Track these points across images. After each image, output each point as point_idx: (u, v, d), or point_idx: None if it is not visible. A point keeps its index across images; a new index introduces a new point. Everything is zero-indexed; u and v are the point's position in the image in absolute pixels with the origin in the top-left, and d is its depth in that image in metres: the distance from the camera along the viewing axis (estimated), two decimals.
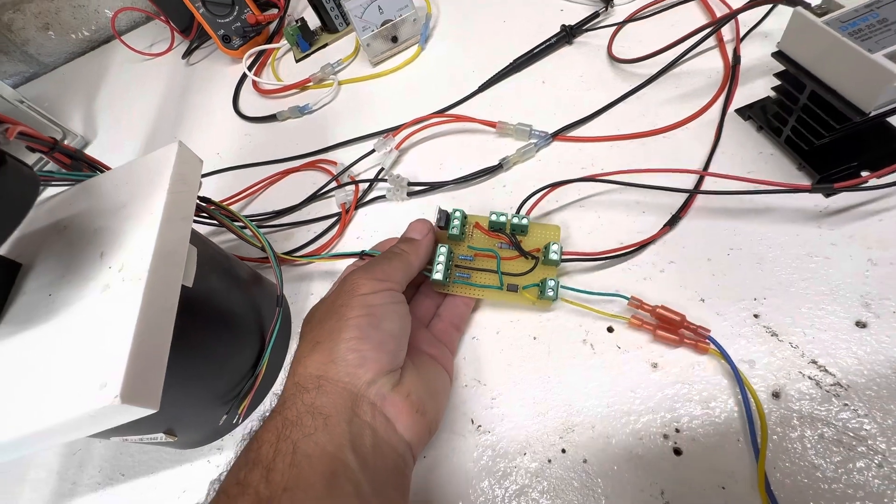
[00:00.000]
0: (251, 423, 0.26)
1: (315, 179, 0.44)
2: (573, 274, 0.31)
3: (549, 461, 0.25)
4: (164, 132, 0.58)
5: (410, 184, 0.39)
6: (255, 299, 0.33)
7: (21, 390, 0.21)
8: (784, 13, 0.27)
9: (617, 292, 0.27)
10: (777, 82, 0.29)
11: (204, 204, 0.31)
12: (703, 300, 0.27)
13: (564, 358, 0.28)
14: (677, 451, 0.24)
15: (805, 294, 0.26)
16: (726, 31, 0.38)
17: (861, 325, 0.24)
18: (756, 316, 0.26)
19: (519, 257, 0.29)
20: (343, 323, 0.23)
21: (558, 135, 0.37)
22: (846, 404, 0.23)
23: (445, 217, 0.30)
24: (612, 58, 0.40)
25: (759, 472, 0.22)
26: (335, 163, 0.43)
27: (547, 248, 0.28)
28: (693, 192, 0.30)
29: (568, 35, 0.43)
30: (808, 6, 0.26)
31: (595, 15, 0.43)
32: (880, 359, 0.23)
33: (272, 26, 0.60)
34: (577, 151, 0.36)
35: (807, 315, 0.25)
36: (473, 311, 0.31)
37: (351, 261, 0.33)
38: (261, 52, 0.59)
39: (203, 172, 0.46)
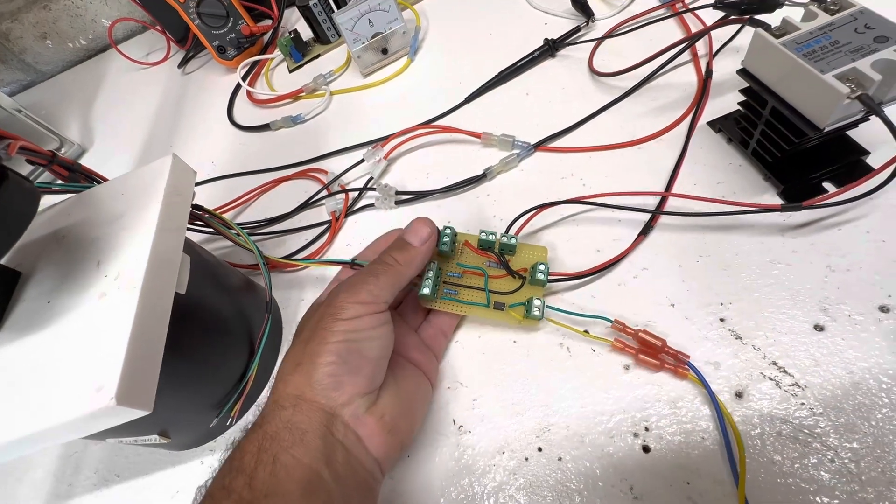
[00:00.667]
0: (234, 434, 0.28)
1: (307, 188, 0.45)
2: (557, 292, 0.32)
3: (527, 459, 0.27)
4: (160, 140, 0.59)
5: (398, 192, 0.40)
6: (247, 305, 0.34)
7: (21, 393, 0.22)
8: (753, 31, 0.28)
9: (600, 314, 0.28)
10: (743, 98, 0.31)
11: (198, 212, 0.33)
12: (673, 305, 0.29)
13: (542, 361, 0.29)
14: (646, 449, 0.25)
15: (768, 299, 0.27)
16: (700, 46, 0.40)
17: (819, 328, 0.26)
18: (722, 320, 0.27)
19: (507, 276, 0.30)
20: (323, 347, 0.23)
21: (540, 145, 0.39)
22: (803, 403, 0.24)
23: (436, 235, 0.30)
24: (593, 71, 0.42)
25: (739, 495, 0.22)
26: (326, 172, 0.45)
27: (534, 268, 0.29)
28: (655, 213, 0.32)
29: (551, 48, 0.44)
30: (767, 28, 0.27)
31: (577, 29, 0.45)
32: (835, 360, 0.25)
33: (266, 37, 0.62)
34: (557, 161, 0.38)
35: (769, 319, 0.27)
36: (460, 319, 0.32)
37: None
38: (255, 63, 0.60)
39: (197, 181, 0.47)
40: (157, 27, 0.68)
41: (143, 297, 0.23)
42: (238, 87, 0.59)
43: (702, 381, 0.25)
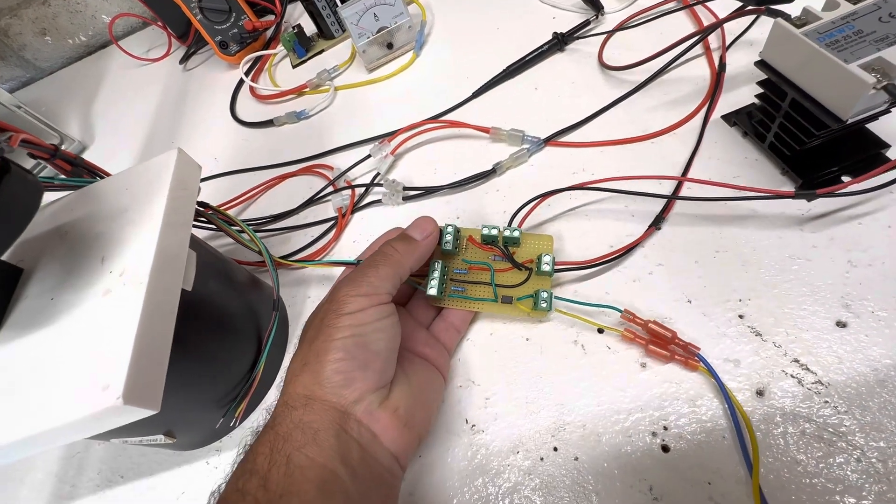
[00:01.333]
0: (243, 436, 0.27)
1: (312, 184, 0.44)
2: (566, 283, 0.31)
3: (542, 459, 0.26)
4: (162, 137, 0.58)
5: (406, 188, 0.39)
6: (253, 303, 0.33)
7: (25, 393, 0.21)
8: (768, 22, 0.28)
9: (610, 304, 0.28)
10: (760, 90, 0.30)
11: (202, 209, 0.32)
12: (689, 301, 0.28)
13: (556, 358, 0.29)
14: (665, 449, 0.25)
15: (788, 295, 0.27)
16: (713, 40, 0.39)
17: (841, 324, 0.25)
18: (741, 316, 0.27)
19: (512, 269, 0.30)
20: (329, 344, 0.23)
21: (550, 140, 0.38)
22: (827, 401, 0.23)
23: (439, 233, 0.30)
24: (603, 65, 0.41)
25: (753, 487, 0.22)
26: (332, 167, 0.44)
27: (539, 259, 0.29)
28: (671, 198, 0.31)
29: (560, 42, 0.44)
30: (788, 17, 0.27)
31: (586, 23, 0.44)
32: (859, 357, 0.24)
33: (269, 32, 0.61)
34: (568, 156, 0.37)
35: (789, 315, 0.26)
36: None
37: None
38: (258, 58, 0.60)
39: (201, 177, 0.47)
40: (159, 23, 0.67)
41: (150, 293, 0.22)
42: (241, 82, 0.58)
43: (712, 373, 0.25)
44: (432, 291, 0.29)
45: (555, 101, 0.41)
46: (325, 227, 0.40)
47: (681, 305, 0.28)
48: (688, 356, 0.26)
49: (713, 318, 0.27)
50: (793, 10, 0.28)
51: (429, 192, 0.39)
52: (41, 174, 0.27)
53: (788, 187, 0.30)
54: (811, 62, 0.25)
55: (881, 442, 0.22)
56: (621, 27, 0.43)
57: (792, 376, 0.25)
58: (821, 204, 0.29)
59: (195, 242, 0.30)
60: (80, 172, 0.30)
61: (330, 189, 0.42)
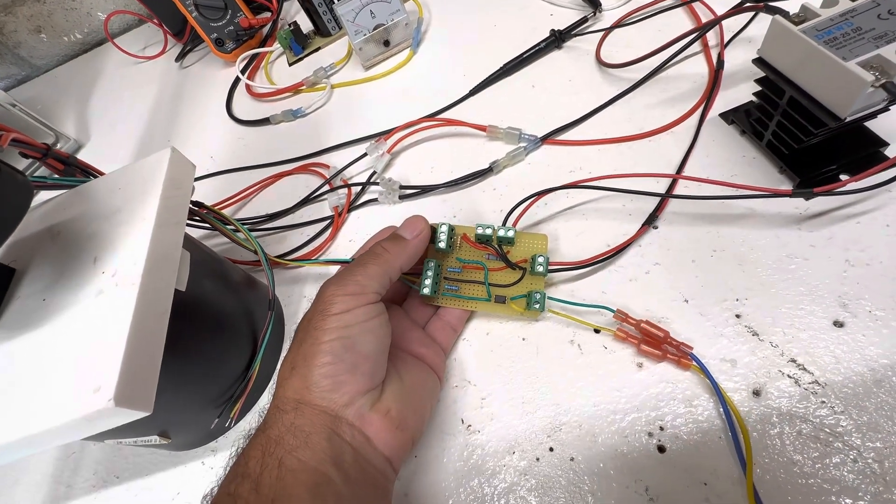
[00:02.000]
0: (237, 437, 0.27)
1: (308, 183, 0.44)
2: (561, 283, 0.31)
3: (537, 459, 0.26)
4: (158, 135, 0.58)
5: (402, 187, 0.39)
6: (248, 302, 0.33)
7: (16, 394, 0.21)
8: (766, 19, 0.27)
9: (603, 304, 0.28)
10: (758, 88, 0.30)
11: (196, 208, 0.32)
12: (686, 301, 0.28)
13: (552, 358, 0.28)
14: (661, 449, 0.24)
15: (785, 294, 0.27)
16: (711, 37, 0.39)
17: (838, 324, 0.25)
18: (738, 316, 0.27)
19: (506, 268, 0.30)
20: (317, 348, 0.22)
21: (547, 138, 0.38)
22: (823, 402, 0.23)
23: (432, 233, 0.29)
24: (601, 62, 0.41)
25: (747, 487, 0.22)
26: (328, 166, 0.44)
27: (533, 259, 0.29)
28: (665, 196, 0.31)
29: (557, 40, 0.43)
30: (786, 14, 0.26)
31: (584, 20, 0.44)
32: (856, 357, 0.24)
33: (265, 30, 0.61)
34: (565, 155, 0.37)
35: (786, 315, 0.26)
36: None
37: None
38: (254, 56, 0.59)
39: (196, 176, 0.46)
40: (154, 20, 0.66)
41: (142, 294, 0.22)
42: (237, 80, 0.57)
43: (704, 371, 0.25)
44: (426, 290, 0.29)
45: (552, 99, 0.41)
46: (322, 227, 0.40)
47: (678, 305, 0.28)
48: (680, 355, 0.26)
49: (710, 317, 0.27)
50: (791, 6, 0.28)
51: (425, 190, 0.38)
52: (34, 174, 0.27)
53: (786, 186, 0.30)
54: (809, 60, 0.25)
55: (878, 442, 0.22)
56: (619, 24, 0.42)
57: (789, 376, 0.24)
58: (819, 203, 0.29)
59: (189, 242, 0.29)
60: (73, 172, 0.30)
61: (326, 188, 0.42)
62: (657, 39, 0.36)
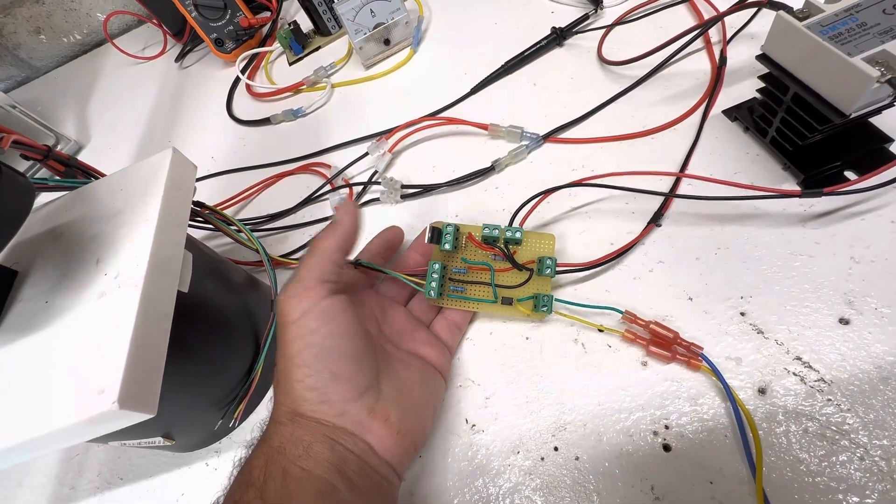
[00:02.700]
0: (240, 451, 0.27)
1: (309, 183, 0.44)
2: (566, 282, 0.31)
3: (542, 459, 0.26)
4: (158, 136, 0.58)
5: (404, 186, 0.39)
6: (251, 303, 0.33)
7: (20, 397, 0.21)
8: (769, 15, 0.27)
9: (608, 305, 0.28)
10: (761, 84, 0.30)
11: (198, 209, 0.32)
12: (691, 299, 0.28)
13: (556, 357, 0.28)
14: (666, 448, 0.24)
15: (790, 292, 0.27)
16: (713, 33, 0.39)
17: (844, 321, 0.25)
18: (743, 314, 0.27)
19: (513, 269, 0.29)
20: (289, 363, 0.22)
21: (549, 137, 0.38)
22: (829, 399, 0.23)
23: (437, 234, 0.29)
24: (602, 60, 0.41)
25: (756, 488, 0.22)
26: (329, 166, 0.44)
27: (541, 261, 0.29)
28: (669, 196, 0.31)
29: (558, 37, 0.43)
30: (790, 10, 0.26)
31: (585, 17, 0.44)
32: (862, 355, 0.24)
33: (265, 29, 0.61)
34: (567, 153, 0.37)
35: (792, 312, 0.26)
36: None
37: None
38: (254, 56, 0.59)
39: (198, 177, 0.46)
40: (154, 20, 0.66)
41: (145, 296, 0.22)
42: (237, 80, 0.57)
43: (715, 373, 0.25)
44: (431, 293, 0.28)
45: (554, 97, 0.41)
46: (323, 226, 0.40)
47: (682, 303, 0.28)
48: (690, 356, 0.26)
49: (715, 315, 0.27)
50: (795, 2, 0.27)
51: (427, 190, 0.38)
52: (36, 175, 0.27)
53: (790, 183, 0.30)
54: (814, 56, 0.25)
55: (885, 440, 0.22)
56: (621, 21, 0.42)
57: (794, 374, 0.24)
58: (823, 200, 0.28)
59: (191, 243, 0.29)
60: (74, 173, 0.30)
61: (327, 188, 0.42)
62: (659, 36, 0.36)
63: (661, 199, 0.31)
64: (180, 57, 0.66)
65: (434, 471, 0.27)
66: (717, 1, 0.40)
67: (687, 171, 0.32)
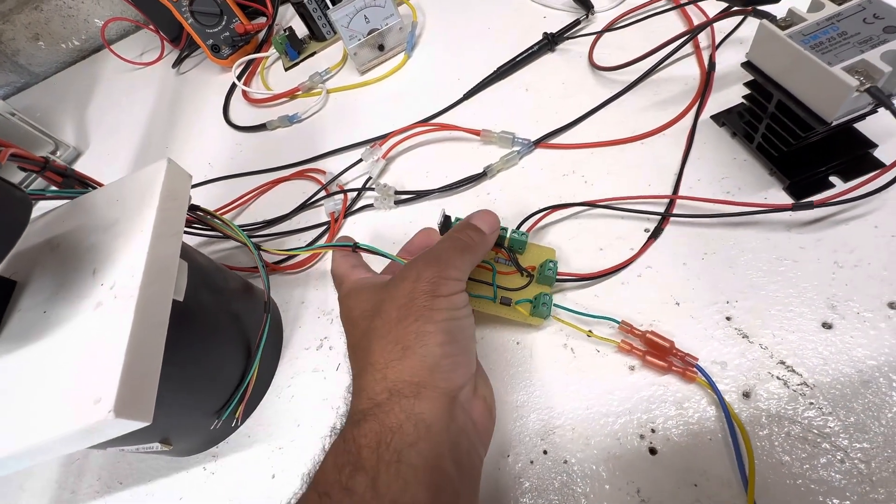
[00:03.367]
0: (235, 454, 0.27)
1: (305, 189, 0.44)
2: (563, 290, 0.31)
3: (532, 462, 0.26)
4: (156, 141, 0.58)
5: (397, 192, 0.39)
6: (246, 308, 0.33)
7: (17, 406, 0.22)
8: (757, 21, 0.28)
9: (608, 315, 0.28)
10: (747, 91, 0.30)
11: (193, 213, 0.32)
12: (678, 303, 0.28)
13: (546, 362, 0.29)
14: (653, 451, 0.25)
15: (775, 296, 0.27)
16: (703, 39, 0.39)
17: (827, 326, 0.25)
18: (728, 318, 0.27)
19: (515, 273, 0.30)
20: (433, 326, 0.21)
21: (540, 142, 0.38)
22: (812, 403, 0.24)
23: (447, 222, 0.30)
24: (593, 65, 0.41)
25: (748, 497, 0.22)
26: (324, 172, 0.44)
27: (543, 265, 0.29)
28: (665, 216, 0.31)
29: (550, 42, 0.44)
30: (773, 19, 0.27)
31: (576, 23, 0.44)
32: (844, 359, 0.24)
33: (261, 35, 0.61)
34: (558, 158, 0.37)
35: (776, 317, 0.26)
36: None
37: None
38: (250, 62, 0.60)
39: (194, 182, 0.47)
40: (151, 27, 0.67)
41: (140, 306, 0.22)
42: (233, 86, 0.58)
43: (711, 385, 0.25)
44: None
45: (545, 102, 0.41)
46: (318, 232, 0.41)
47: (669, 308, 0.28)
48: (685, 367, 0.26)
49: (701, 320, 0.27)
50: (779, 10, 0.28)
51: (420, 195, 0.39)
52: (32, 185, 0.27)
53: (777, 187, 0.30)
54: (796, 64, 0.25)
55: (865, 443, 0.22)
56: (611, 27, 0.43)
57: (778, 378, 0.25)
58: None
59: (186, 251, 0.30)
60: (71, 183, 0.30)
61: (322, 193, 0.42)
62: (649, 42, 0.37)
63: (658, 206, 0.32)
64: (177, 62, 0.67)
65: None
66: (707, 7, 0.41)
67: (680, 183, 0.32)
